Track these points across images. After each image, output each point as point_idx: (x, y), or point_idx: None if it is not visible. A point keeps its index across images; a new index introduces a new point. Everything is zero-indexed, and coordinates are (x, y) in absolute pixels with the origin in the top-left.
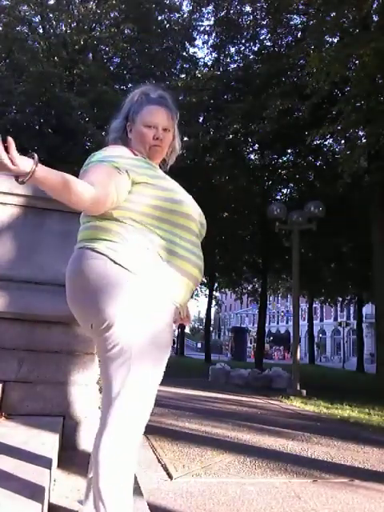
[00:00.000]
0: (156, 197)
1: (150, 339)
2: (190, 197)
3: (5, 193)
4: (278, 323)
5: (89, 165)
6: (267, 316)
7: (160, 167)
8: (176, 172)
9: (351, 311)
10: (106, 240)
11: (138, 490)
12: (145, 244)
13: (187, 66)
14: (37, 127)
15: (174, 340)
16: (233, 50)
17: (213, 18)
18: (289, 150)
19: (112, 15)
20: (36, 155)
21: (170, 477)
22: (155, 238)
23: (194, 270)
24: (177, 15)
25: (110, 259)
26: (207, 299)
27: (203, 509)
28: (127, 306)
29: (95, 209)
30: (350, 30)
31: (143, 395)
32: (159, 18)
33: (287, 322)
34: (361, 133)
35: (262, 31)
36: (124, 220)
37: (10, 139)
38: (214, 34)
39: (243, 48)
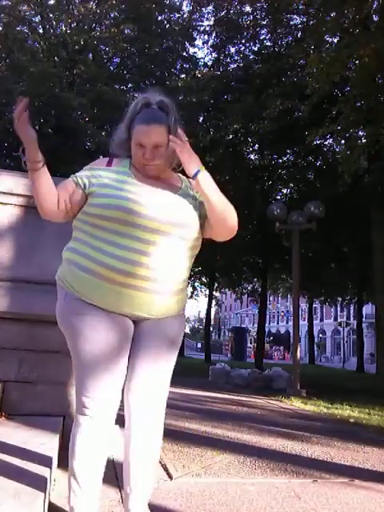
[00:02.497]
0: (95, 205)
1: (66, 332)
2: (161, 203)
3: (5, 193)
4: (278, 323)
5: None
6: (267, 316)
7: (175, 171)
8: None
9: (351, 311)
10: (66, 250)
11: None
12: (73, 250)
13: (187, 65)
14: (37, 127)
15: None
16: (233, 50)
17: (213, 18)
18: (289, 150)
19: (112, 15)
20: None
21: (170, 477)
22: (85, 246)
23: (109, 272)
24: (177, 15)
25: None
26: (207, 299)
27: (203, 509)
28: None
29: (48, 217)
30: (349, 30)
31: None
32: (159, 18)
33: (287, 322)
34: (361, 133)
35: (262, 31)
36: (75, 227)
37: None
38: (214, 34)
39: (243, 48)
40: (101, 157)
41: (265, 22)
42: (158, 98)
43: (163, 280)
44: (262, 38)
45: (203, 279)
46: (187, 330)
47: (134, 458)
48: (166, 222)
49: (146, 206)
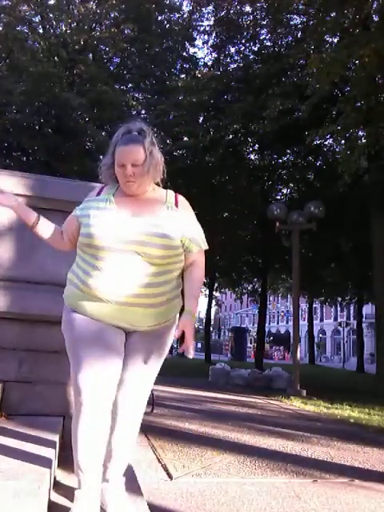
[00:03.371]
0: (81, 234)
1: (67, 340)
2: (122, 222)
3: None
4: (278, 323)
5: None
6: (267, 316)
7: (158, 185)
8: (176, 172)
9: (351, 311)
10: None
11: (138, 490)
12: (73, 273)
13: (187, 65)
14: (37, 127)
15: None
16: (233, 50)
17: (213, 18)
18: (289, 150)
19: (112, 15)
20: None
21: (170, 477)
22: (77, 267)
23: (91, 290)
24: (177, 15)
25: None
26: (207, 299)
27: (203, 509)
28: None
29: (59, 250)
30: (349, 30)
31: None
32: (159, 18)
33: (287, 322)
34: (361, 133)
35: (262, 31)
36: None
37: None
38: (214, 34)
39: (243, 48)
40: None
41: (265, 22)
42: (137, 125)
43: (121, 293)
44: (262, 38)
45: (203, 279)
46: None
47: (115, 443)
48: (118, 240)
49: (101, 226)
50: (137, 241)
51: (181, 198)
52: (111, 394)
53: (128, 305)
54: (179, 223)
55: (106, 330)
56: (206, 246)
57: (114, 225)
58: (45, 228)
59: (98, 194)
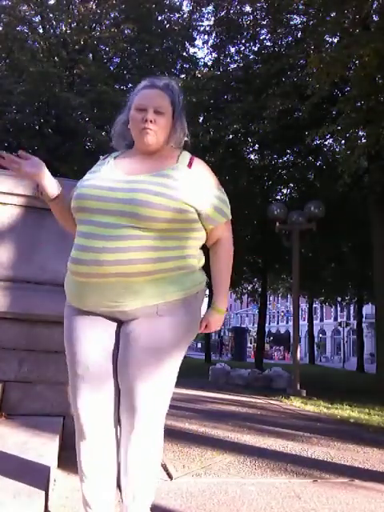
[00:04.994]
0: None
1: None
2: (112, 180)
3: (5, 193)
4: (278, 323)
5: None
6: (267, 316)
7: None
8: None
9: (351, 311)
10: None
11: None
12: None
13: (187, 65)
14: (37, 127)
15: None
16: (233, 50)
17: (213, 18)
18: (289, 150)
19: (112, 15)
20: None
21: (170, 477)
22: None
23: (79, 266)
24: (177, 15)
25: None
26: (207, 299)
27: (203, 509)
28: None
29: (68, 229)
30: (349, 30)
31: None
32: (159, 18)
33: (287, 322)
34: (361, 133)
35: (262, 31)
36: None
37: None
38: (214, 34)
39: (243, 48)
40: (100, 157)
41: (265, 22)
42: (164, 80)
43: (101, 260)
44: (262, 38)
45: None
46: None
47: (129, 477)
48: (101, 198)
49: (87, 187)
50: (122, 199)
51: (197, 160)
52: (108, 416)
53: (112, 275)
54: (190, 185)
55: (92, 327)
56: (230, 216)
57: (101, 183)
58: (64, 204)
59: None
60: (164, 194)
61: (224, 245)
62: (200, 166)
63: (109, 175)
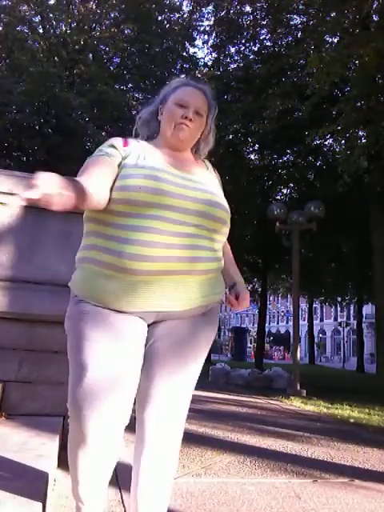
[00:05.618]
0: (121, 187)
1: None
2: (175, 176)
3: (5, 193)
4: (278, 323)
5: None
6: (267, 316)
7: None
8: None
9: (351, 311)
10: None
11: None
12: None
13: (187, 65)
14: (37, 127)
15: None
16: (233, 50)
17: (213, 18)
18: (289, 150)
19: (112, 15)
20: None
21: None
22: (101, 239)
23: (133, 262)
24: (177, 15)
25: None
26: None
27: (203, 509)
28: None
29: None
30: (349, 30)
31: None
32: (159, 18)
33: (287, 322)
34: (361, 133)
35: (262, 31)
36: (91, 219)
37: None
38: (214, 34)
39: (243, 48)
40: (117, 139)
41: (265, 22)
42: (203, 85)
43: (168, 257)
44: (262, 38)
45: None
46: None
47: (146, 482)
48: (193, 200)
49: (171, 182)
50: (199, 199)
51: (215, 171)
52: (126, 416)
53: (176, 272)
54: (220, 187)
55: (129, 327)
56: None
57: (167, 177)
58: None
59: (125, 146)
60: (221, 196)
61: (226, 242)
62: (217, 174)
63: (160, 167)
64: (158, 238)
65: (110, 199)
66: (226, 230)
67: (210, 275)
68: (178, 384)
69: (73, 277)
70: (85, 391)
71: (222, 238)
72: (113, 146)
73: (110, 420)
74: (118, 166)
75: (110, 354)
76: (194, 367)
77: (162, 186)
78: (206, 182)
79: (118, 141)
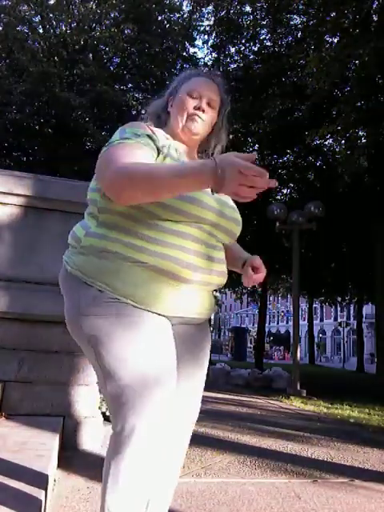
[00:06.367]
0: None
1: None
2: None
3: (5, 193)
4: (278, 323)
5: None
6: (267, 316)
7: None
8: None
9: (351, 311)
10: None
11: None
12: None
13: (187, 66)
14: (37, 127)
15: None
16: (233, 50)
17: (213, 18)
18: (289, 150)
19: (112, 15)
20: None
21: None
22: (132, 236)
23: (186, 271)
24: (177, 15)
25: None
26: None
27: (203, 509)
28: None
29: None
30: (349, 30)
31: None
32: (159, 18)
33: (287, 322)
34: (361, 133)
35: (262, 31)
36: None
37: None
38: (214, 34)
39: (243, 48)
40: (142, 125)
41: (265, 22)
42: (217, 76)
43: (206, 270)
44: (262, 38)
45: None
46: None
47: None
48: (228, 219)
49: (213, 198)
50: (231, 217)
51: None
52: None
53: (212, 285)
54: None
55: (167, 326)
56: None
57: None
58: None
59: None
60: (236, 208)
61: None
62: None
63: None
64: (205, 250)
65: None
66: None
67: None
68: (194, 388)
69: (88, 265)
70: (163, 402)
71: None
72: (150, 138)
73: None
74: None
75: (170, 354)
76: (204, 369)
77: (209, 201)
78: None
79: (147, 130)
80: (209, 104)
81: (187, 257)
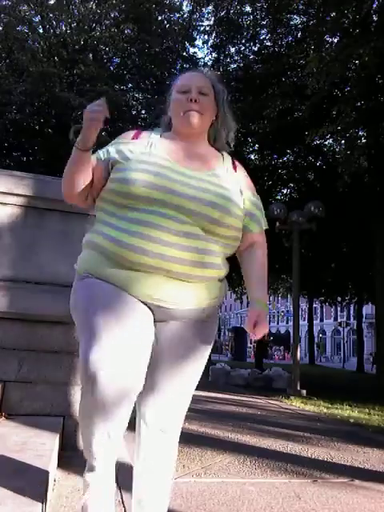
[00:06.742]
0: (116, 179)
1: (78, 308)
2: (177, 172)
3: (5, 193)
4: (278, 323)
5: None
6: (267, 316)
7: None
8: None
9: (351, 311)
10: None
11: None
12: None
13: (187, 66)
14: (37, 127)
15: None
16: (233, 50)
17: (213, 18)
18: (289, 150)
19: (112, 15)
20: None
21: None
22: (103, 225)
23: (132, 254)
24: (177, 15)
25: None
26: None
27: (203, 509)
28: None
29: (74, 200)
30: (349, 30)
31: None
32: (159, 18)
33: (287, 322)
34: (361, 133)
35: (262, 31)
36: (98, 208)
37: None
38: (214, 34)
39: (243, 48)
40: (128, 133)
41: (265, 22)
42: (205, 69)
43: (164, 256)
44: (262, 38)
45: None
46: None
47: (142, 485)
48: (169, 190)
49: (146, 172)
50: (201, 199)
51: (240, 166)
52: (139, 379)
53: (174, 274)
54: (238, 191)
55: (134, 302)
56: (266, 226)
57: (166, 173)
58: (89, 163)
59: (134, 138)
60: (236, 202)
61: (261, 245)
62: (243, 171)
63: (165, 163)
64: (155, 233)
65: (111, 190)
66: (234, 234)
67: (213, 281)
68: (179, 385)
69: (78, 258)
70: (101, 353)
71: (232, 243)
72: (112, 144)
73: (125, 382)
74: (106, 161)
75: (124, 319)
76: (195, 369)
77: (161, 181)
78: (217, 180)
79: (127, 134)
80: (200, 92)
81: (132, 239)
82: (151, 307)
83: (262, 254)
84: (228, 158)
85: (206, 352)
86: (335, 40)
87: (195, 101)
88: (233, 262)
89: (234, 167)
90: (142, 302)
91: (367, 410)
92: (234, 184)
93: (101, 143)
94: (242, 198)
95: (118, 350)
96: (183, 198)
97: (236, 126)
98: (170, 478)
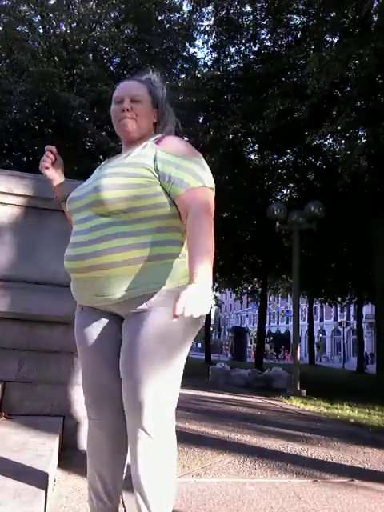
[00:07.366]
0: None
1: None
2: (96, 177)
3: (5, 193)
4: (278, 323)
5: None
6: (267, 316)
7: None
8: None
9: (351, 311)
10: None
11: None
12: None
13: (187, 65)
14: (37, 127)
15: None
16: (233, 50)
17: (213, 18)
18: (289, 150)
19: (112, 15)
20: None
21: None
22: None
23: (67, 263)
24: (177, 15)
25: None
26: None
27: (203, 509)
28: None
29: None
30: (349, 30)
31: None
32: (159, 18)
33: (287, 322)
34: (361, 133)
35: (262, 31)
36: None
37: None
38: (214, 34)
39: (243, 48)
40: (101, 157)
41: (265, 22)
42: (143, 75)
43: (78, 257)
44: (262, 38)
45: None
46: None
47: (137, 496)
48: (85, 194)
49: (79, 188)
50: (87, 191)
51: (171, 138)
52: (112, 406)
53: (91, 268)
54: (146, 158)
55: (93, 324)
56: (201, 183)
57: (88, 182)
58: None
59: None
60: (119, 172)
61: (195, 210)
62: (170, 140)
63: (95, 172)
64: (74, 239)
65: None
66: (131, 204)
67: (139, 264)
68: (129, 384)
69: None
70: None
71: (141, 215)
72: None
73: (97, 405)
74: None
75: (85, 360)
76: (145, 365)
77: (73, 193)
78: (114, 164)
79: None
80: (133, 100)
81: (66, 250)
82: (102, 309)
83: (196, 222)
84: (152, 138)
85: (162, 343)
86: (335, 40)
87: (128, 110)
88: (232, 261)
89: (158, 141)
90: (92, 308)
91: (367, 410)
92: (139, 156)
93: (100, 143)
94: (145, 164)
95: (96, 395)
96: (82, 198)
97: (177, 120)
98: (163, 481)
